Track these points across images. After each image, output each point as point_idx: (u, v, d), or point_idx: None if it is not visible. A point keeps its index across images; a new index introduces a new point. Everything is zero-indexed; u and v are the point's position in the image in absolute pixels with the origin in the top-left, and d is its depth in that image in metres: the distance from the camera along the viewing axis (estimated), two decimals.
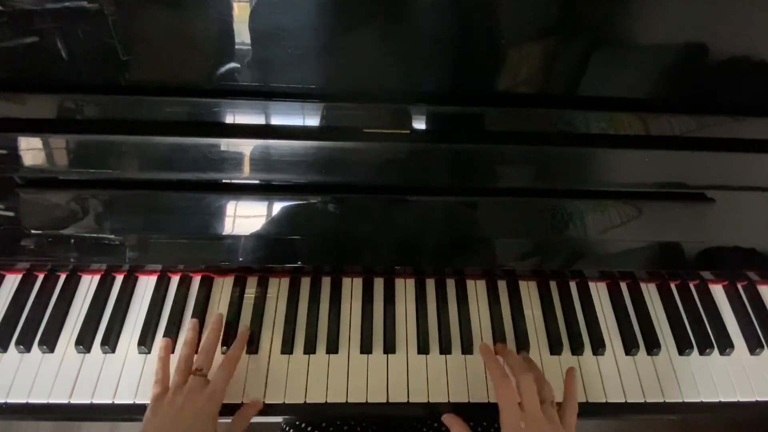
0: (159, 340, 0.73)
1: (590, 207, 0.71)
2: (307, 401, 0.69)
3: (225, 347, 0.72)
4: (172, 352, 0.71)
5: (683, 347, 0.75)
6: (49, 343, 0.72)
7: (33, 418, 0.69)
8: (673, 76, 0.64)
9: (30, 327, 0.73)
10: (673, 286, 0.82)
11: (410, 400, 0.69)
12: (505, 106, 0.65)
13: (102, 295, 0.76)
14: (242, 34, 0.59)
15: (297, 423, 0.78)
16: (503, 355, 0.70)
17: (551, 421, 0.58)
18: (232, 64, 0.61)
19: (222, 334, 0.72)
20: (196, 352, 0.69)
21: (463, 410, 0.69)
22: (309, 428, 0.77)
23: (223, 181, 0.69)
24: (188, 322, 0.72)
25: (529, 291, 0.80)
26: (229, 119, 0.65)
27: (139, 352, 0.72)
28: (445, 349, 0.73)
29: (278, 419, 0.74)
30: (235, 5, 0.57)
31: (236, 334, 0.73)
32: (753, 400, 0.72)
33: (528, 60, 0.62)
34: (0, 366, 0.70)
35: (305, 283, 0.79)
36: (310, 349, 0.73)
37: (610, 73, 0.64)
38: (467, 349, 0.73)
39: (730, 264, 0.78)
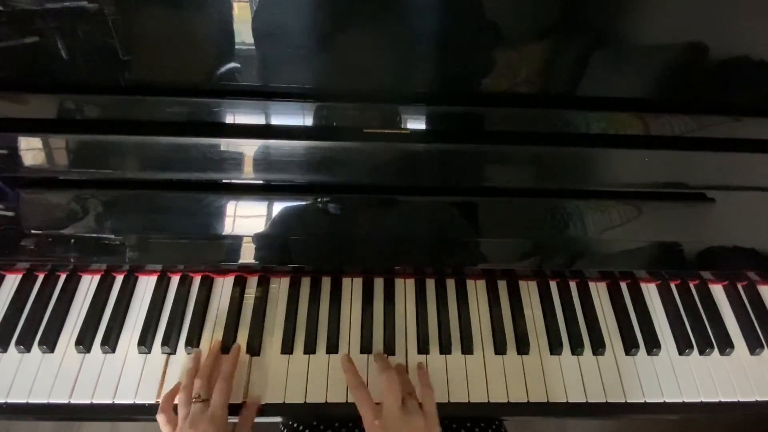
0: (159, 343, 0.73)
1: (590, 207, 0.71)
2: (307, 401, 0.69)
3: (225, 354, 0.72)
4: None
5: (683, 347, 0.75)
6: (49, 343, 0.72)
7: (33, 418, 0.70)
8: (673, 76, 0.64)
9: (30, 327, 0.73)
10: (673, 286, 0.82)
11: None
12: (505, 107, 0.65)
13: (102, 295, 0.76)
14: (242, 34, 0.59)
15: (297, 423, 0.78)
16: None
17: (410, 412, 0.62)
18: (232, 64, 0.61)
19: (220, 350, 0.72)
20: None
21: (463, 410, 0.70)
22: (308, 428, 0.77)
23: (223, 181, 0.69)
24: (192, 352, 0.72)
25: (529, 291, 0.80)
26: (228, 119, 0.65)
27: (139, 352, 0.72)
28: (444, 349, 0.73)
29: (278, 419, 0.74)
30: (235, 5, 0.57)
31: (236, 336, 0.73)
32: (753, 400, 0.72)
33: (528, 60, 0.62)
34: (0, 366, 0.70)
35: (305, 283, 0.79)
36: (310, 349, 0.73)
37: (610, 73, 0.64)
38: (467, 349, 0.73)
39: (730, 264, 0.78)
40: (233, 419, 0.66)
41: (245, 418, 0.67)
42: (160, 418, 0.64)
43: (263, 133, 0.65)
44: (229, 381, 0.67)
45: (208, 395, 0.65)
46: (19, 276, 0.78)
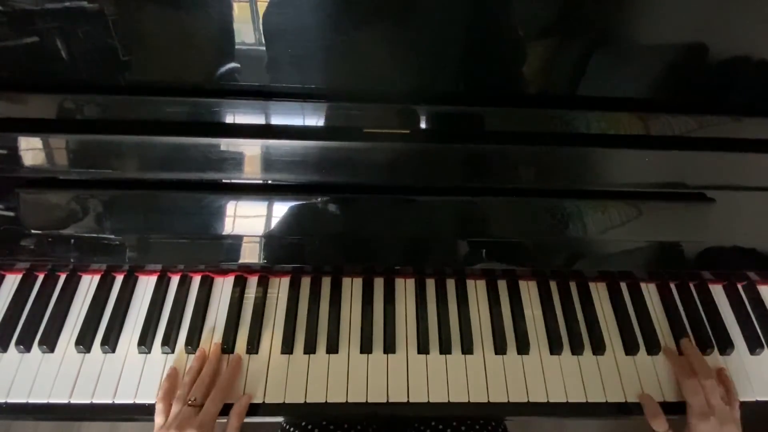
0: (159, 343, 0.73)
1: (590, 207, 0.71)
2: (307, 401, 0.69)
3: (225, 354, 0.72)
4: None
5: None
6: (49, 343, 0.72)
7: (33, 418, 0.70)
8: (673, 76, 0.64)
9: (30, 327, 0.73)
10: (673, 286, 0.81)
11: (410, 400, 0.69)
12: (505, 106, 0.65)
13: (102, 295, 0.76)
14: (242, 34, 0.59)
15: (297, 423, 0.78)
16: (688, 354, 0.73)
17: (733, 419, 0.66)
18: (232, 64, 0.61)
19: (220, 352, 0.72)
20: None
21: (464, 410, 0.70)
22: (309, 428, 0.77)
23: (223, 181, 0.69)
24: (197, 351, 0.72)
25: (529, 291, 0.80)
26: (229, 119, 0.65)
27: (139, 352, 0.72)
28: (444, 349, 0.73)
29: (278, 419, 0.74)
30: (235, 5, 0.57)
31: (236, 335, 0.73)
32: (753, 400, 0.72)
33: (528, 60, 0.62)
34: (0, 366, 0.70)
35: (305, 283, 0.79)
36: (310, 349, 0.73)
37: (611, 73, 0.64)
38: (467, 349, 0.73)
39: (730, 264, 0.78)
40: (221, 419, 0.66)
41: (236, 413, 0.66)
42: (158, 405, 0.65)
43: (263, 133, 0.65)
44: (226, 391, 0.67)
45: (203, 400, 0.65)
46: (19, 276, 0.78)
